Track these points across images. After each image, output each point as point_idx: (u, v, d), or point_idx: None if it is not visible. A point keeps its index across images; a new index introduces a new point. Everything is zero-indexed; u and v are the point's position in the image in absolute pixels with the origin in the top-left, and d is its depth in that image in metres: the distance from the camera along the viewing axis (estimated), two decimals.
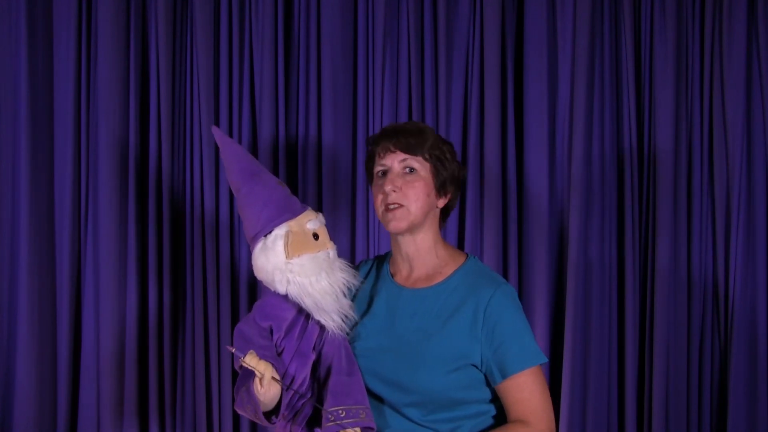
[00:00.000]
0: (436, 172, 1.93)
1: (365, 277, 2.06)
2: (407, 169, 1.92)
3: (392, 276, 2.01)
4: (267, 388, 1.77)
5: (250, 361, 1.75)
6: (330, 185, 2.86)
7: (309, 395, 1.87)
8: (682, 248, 2.80)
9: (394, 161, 1.92)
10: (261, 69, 2.86)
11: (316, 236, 1.90)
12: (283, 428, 1.89)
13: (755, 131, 2.79)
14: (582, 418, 2.82)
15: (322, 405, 1.84)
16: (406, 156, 1.92)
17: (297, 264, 1.85)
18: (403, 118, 2.85)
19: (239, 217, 2.86)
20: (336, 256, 1.94)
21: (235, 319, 2.88)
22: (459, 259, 1.99)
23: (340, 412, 1.80)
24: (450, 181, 1.97)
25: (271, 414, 1.85)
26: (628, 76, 2.82)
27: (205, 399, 2.86)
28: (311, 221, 1.91)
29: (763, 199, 2.78)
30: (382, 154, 1.94)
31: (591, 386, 2.81)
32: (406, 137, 1.92)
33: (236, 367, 1.87)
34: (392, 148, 1.92)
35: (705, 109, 2.82)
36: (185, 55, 2.91)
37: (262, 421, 1.82)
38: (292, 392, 1.84)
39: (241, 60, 2.89)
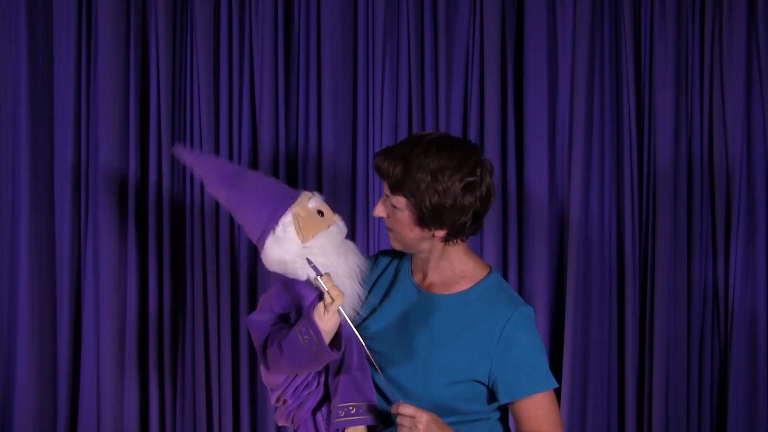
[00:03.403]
0: (417, 209, 1.82)
1: (384, 270, 2.03)
2: (390, 203, 1.86)
3: (412, 274, 1.98)
4: (331, 316, 1.71)
5: (326, 282, 1.70)
6: (330, 185, 2.86)
7: (315, 386, 1.86)
8: (682, 248, 2.80)
9: (384, 188, 1.87)
10: (261, 69, 2.86)
11: (320, 213, 1.88)
12: (287, 417, 1.89)
13: (755, 131, 2.80)
14: (582, 418, 2.82)
15: (330, 398, 1.83)
16: (388, 192, 1.85)
17: (315, 245, 1.83)
18: (403, 118, 2.85)
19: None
20: (344, 226, 1.91)
21: (235, 316, 2.88)
22: (480, 273, 1.92)
23: (350, 408, 1.79)
24: (440, 214, 1.81)
25: (331, 347, 1.76)
26: (628, 76, 2.82)
27: (205, 397, 2.86)
28: (311, 200, 1.88)
29: (763, 199, 2.78)
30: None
31: (591, 386, 2.81)
32: (390, 167, 1.82)
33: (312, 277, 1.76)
34: (381, 176, 1.87)
35: (705, 109, 2.82)
36: (185, 55, 2.91)
37: (324, 352, 1.71)
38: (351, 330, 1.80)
39: (241, 60, 2.89)
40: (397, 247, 1.91)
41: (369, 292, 1.98)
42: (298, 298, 1.86)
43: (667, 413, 2.78)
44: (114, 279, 2.86)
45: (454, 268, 1.92)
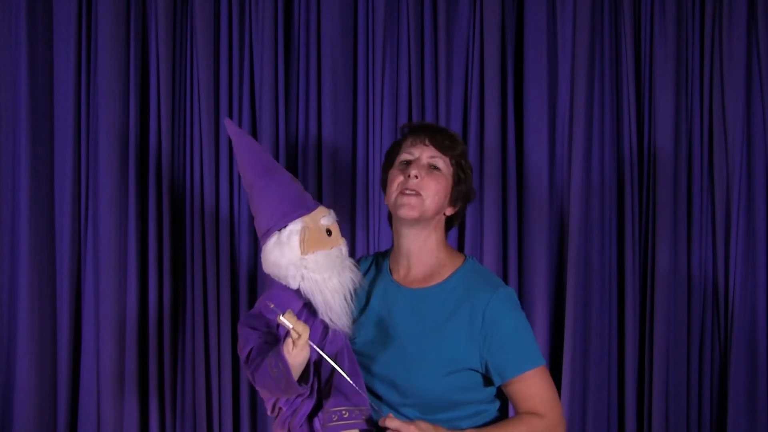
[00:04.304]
0: (456, 179, 1.96)
1: (365, 274, 2.06)
2: (433, 166, 1.94)
3: (391, 273, 2.01)
4: (299, 351, 1.73)
5: (289, 319, 1.72)
6: (330, 185, 2.86)
7: (308, 393, 1.87)
8: (682, 248, 2.80)
9: (423, 154, 1.94)
10: (261, 69, 2.87)
11: (329, 232, 1.91)
12: (283, 425, 1.89)
13: (755, 131, 2.80)
14: (582, 418, 2.82)
15: (322, 404, 1.84)
16: (436, 153, 1.94)
17: (311, 260, 1.86)
18: (403, 118, 2.85)
19: (239, 213, 2.87)
20: (347, 252, 1.95)
21: (234, 315, 2.88)
22: (457, 261, 1.98)
23: (343, 412, 1.81)
24: (462, 196, 1.99)
25: (299, 381, 1.80)
26: (628, 76, 2.82)
27: (205, 396, 2.86)
28: (325, 217, 1.92)
29: (763, 199, 2.79)
30: (413, 144, 1.96)
31: (591, 386, 2.81)
32: (441, 135, 1.96)
33: (278, 319, 1.79)
34: (426, 142, 1.95)
35: (705, 109, 2.82)
36: (185, 55, 2.91)
37: (292, 387, 1.76)
38: (320, 360, 1.82)
39: (241, 60, 2.89)
40: (412, 213, 1.91)
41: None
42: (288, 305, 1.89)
43: (667, 412, 2.78)
44: (114, 279, 2.86)
45: (439, 257, 1.97)
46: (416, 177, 1.90)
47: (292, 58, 2.91)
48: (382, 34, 2.85)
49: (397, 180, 1.94)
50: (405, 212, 1.91)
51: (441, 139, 1.95)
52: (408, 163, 1.95)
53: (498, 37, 2.83)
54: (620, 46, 2.84)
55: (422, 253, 1.97)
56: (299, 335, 1.72)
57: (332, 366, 1.81)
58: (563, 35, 2.85)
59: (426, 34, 2.85)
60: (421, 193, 1.90)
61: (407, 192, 1.91)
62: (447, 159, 1.94)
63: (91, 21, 2.89)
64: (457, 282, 1.93)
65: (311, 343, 1.76)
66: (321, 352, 1.80)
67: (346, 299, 1.89)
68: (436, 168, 1.93)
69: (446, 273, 1.95)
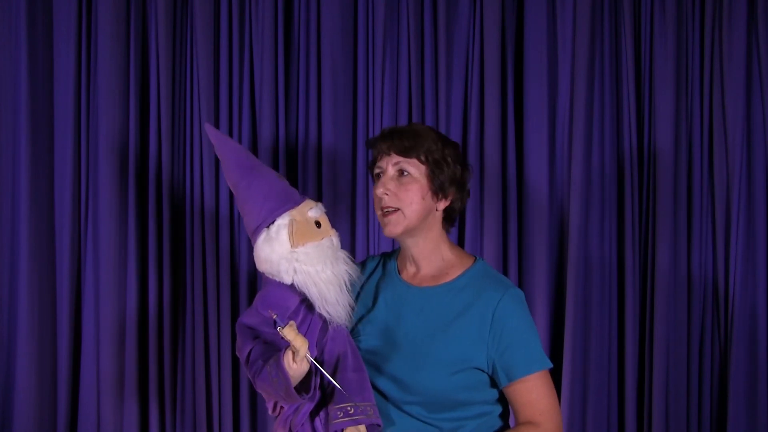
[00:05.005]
0: (432, 175, 1.91)
1: (371, 273, 2.05)
2: (401, 172, 1.91)
3: (399, 273, 2.01)
4: (299, 365, 1.74)
5: (288, 333, 1.72)
6: (330, 185, 2.86)
7: (311, 391, 1.87)
8: (682, 248, 2.80)
9: (389, 164, 1.91)
10: (261, 69, 2.87)
11: (318, 224, 1.90)
12: (284, 423, 1.89)
13: (755, 131, 2.80)
14: (582, 418, 2.82)
15: (326, 402, 1.84)
16: (400, 159, 1.90)
17: (302, 252, 1.86)
18: (403, 118, 2.85)
19: (239, 213, 2.87)
20: (338, 243, 1.94)
21: (235, 316, 2.88)
22: (467, 262, 1.98)
23: (349, 408, 1.81)
24: (450, 183, 1.94)
25: (300, 391, 1.81)
26: (628, 76, 2.82)
27: (205, 396, 2.86)
28: (312, 209, 1.91)
29: (763, 199, 2.78)
30: (378, 156, 1.94)
31: (591, 386, 2.81)
32: (400, 139, 1.91)
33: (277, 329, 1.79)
34: (386, 151, 1.91)
35: (705, 109, 2.82)
36: (185, 55, 2.91)
37: (292, 397, 1.77)
38: (321, 372, 1.82)
39: (241, 60, 2.89)
40: (396, 229, 1.91)
41: (358, 295, 2.01)
42: (282, 301, 1.89)
43: (667, 412, 2.78)
44: (114, 279, 2.86)
45: (445, 257, 1.97)
46: (386, 194, 1.89)
47: (292, 58, 2.91)
48: (382, 34, 2.85)
49: (375, 199, 1.93)
50: (389, 231, 1.92)
51: (401, 143, 1.90)
52: (380, 176, 1.93)
53: (498, 37, 2.83)
54: (620, 46, 2.84)
55: (426, 254, 1.97)
56: (297, 350, 1.73)
57: (331, 381, 1.81)
58: (563, 35, 2.85)
59: (426, 34, 2.85)
60: (398, 207, 1.89)
61: (385, 210, 1.91)
62: (413, 160, 1.90)
63: (91, 21, 2.89)
64: (467, 282, 1.93)
65: (311, 359, 1.77)
66: (320, 368, 1.80)
67: (341, 290, 1.88)
68: (405, 173, 1.90)
69: (455, 273, 1.95)
